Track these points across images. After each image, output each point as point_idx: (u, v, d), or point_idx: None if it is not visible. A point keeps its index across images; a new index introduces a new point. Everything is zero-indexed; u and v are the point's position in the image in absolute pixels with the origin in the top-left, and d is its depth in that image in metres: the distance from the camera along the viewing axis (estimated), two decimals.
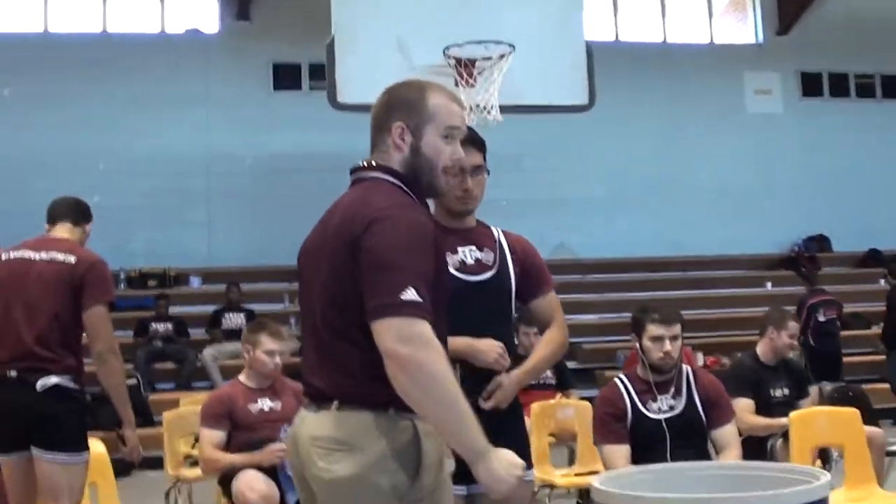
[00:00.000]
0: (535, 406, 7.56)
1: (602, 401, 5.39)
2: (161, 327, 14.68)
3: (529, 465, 3.79)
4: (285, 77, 17.81)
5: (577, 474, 7.25)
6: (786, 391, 7.29)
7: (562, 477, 7.24)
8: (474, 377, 3.82)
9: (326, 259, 3.10)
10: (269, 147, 17.09)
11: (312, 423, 3.08)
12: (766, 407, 7.10)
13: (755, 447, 6.73)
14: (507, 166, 17.28)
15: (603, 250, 18.18)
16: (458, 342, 3.67)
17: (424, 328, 2.90)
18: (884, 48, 20.04)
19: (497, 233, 4.18)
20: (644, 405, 5.25)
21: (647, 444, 5.07)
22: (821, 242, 19.60)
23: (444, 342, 3.11)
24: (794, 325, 7.36)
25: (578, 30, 10.51)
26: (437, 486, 3.11)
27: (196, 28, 18.03)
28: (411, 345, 2.88)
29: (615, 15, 19.83)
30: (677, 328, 5.29)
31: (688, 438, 5.06)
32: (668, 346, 5.20)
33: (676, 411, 5.25)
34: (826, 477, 2.55)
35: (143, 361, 13.99)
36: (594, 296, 17.15)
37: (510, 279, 4.08)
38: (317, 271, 3.15)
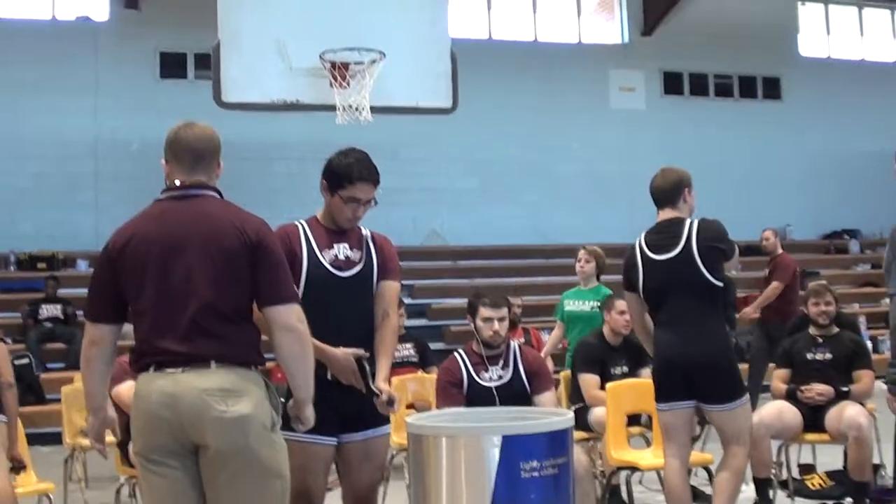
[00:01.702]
0: (395, 379, 8.51)
1: (443, 371, 6.39)
2: (50, 309, 15.25)
3: (387, 422, 4.83)
4: (171, 65, 18.46)
5: None
6: (625, 368, 8.26)
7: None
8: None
9: (213, 255, 3.94)
10: (155, 133, 17.54)
11: (198, 379, 3.87)
12: (608, 381, 7.93)
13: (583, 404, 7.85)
14: (384, 156, 18.09)
15: (473, 238, 19.13)
16: (318, 348, 4.45)
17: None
18: (741, 50, 21.44)
19: (364, 232, 5.03)
20: (477, 375, 6.26)
21: (480, 407, 6.03)
22: None
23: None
24: (620, 303, 8.24)
25: (444, 37, 11.32)
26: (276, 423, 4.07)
27: (86, 15, 18.55)
28: (304, 324, 3.99)
29: (489, 13, 20.79)
30: (504, 311, 6.30)
31: (515, 403, 5.97)
32: (496, 325, 6.22)
33: (504, 380, 6.26)
34: (567, 414, 3.52)
35: (34, 342, 14.60)
36: (464, 281, 18.06)
37: (373, 273, 4.94)
38: (197, 263, 3.94)
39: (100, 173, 17.83)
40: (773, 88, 22.70)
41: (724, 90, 22.25)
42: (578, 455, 5.74)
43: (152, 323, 3.98)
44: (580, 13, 21.64)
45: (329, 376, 4.64)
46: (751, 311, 12.52)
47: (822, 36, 23.63)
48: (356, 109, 10.48)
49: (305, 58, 10.58)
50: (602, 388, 7.83)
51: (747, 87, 22.42)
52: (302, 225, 4.92)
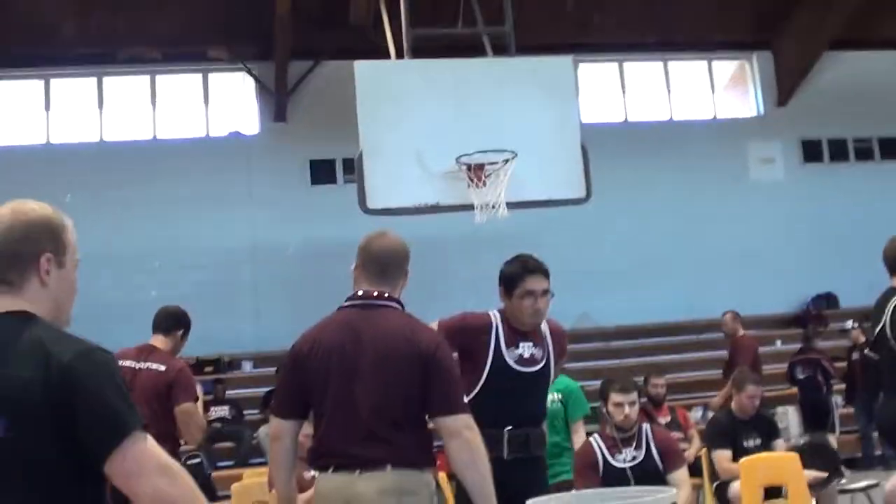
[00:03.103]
0: None
1: (579, 455, 6.82)
2: (219, 410, 15.95)
3: None
4: (321, 172, 19.28)
5: None
6: (758, 441, 8.55)
7: None
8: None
9: (387, 365, 4.32)
10: (309, 237, 18.34)
11: (374, 481, 4.23)
12: (741, 455, 8.28)
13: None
14: (527, 245, 18.59)
15: (622, 318, 19.34)
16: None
17: None
18: (879, 113, 21.29)
19: (544, 327, 5.53)
20: (612, 457, 6.66)
21: (616, 487, 6.40)
22: (828, 300, 20.77)
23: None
24: (752, 388, 8.63)
25: (575, 131, 11.86)
26: None
27: (237, 131, 19.54)
28: (473, 431, 4.35)
29: (623, 96, 21.22)
30: (633, 396, 6.70)
31: (648, 481, 6.32)
32: (626, 409, 6.63)
33: (638, 460, 6.65)
34: (670, 492, 3.91)
35: (205, 442, 15.31)
36: (615, 361, 18.24)
37: (550, 366, 5.47)
38: (371, 372, 4.32)
39: (258, 279, 18.60)
40: None
41: (864, 154, 22.13)
42: None
43: (331, 426, 4.36)
44: (714, 89, 21.89)
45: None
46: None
47: None
48: (493, 207, 11.00)
49: (442, 162, 11.19)
50: (735, 461, 8.09)
51: (889, 149, 22.23)
52: (496, 318, 5.40)
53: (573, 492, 5.04)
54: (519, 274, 5.36)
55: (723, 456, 8.36)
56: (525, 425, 5.26)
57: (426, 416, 4.40)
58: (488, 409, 4.98)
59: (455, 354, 5.20)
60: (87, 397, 2.63)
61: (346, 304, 4.57)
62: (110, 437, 2.62)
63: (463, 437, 4.29)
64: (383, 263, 4.56)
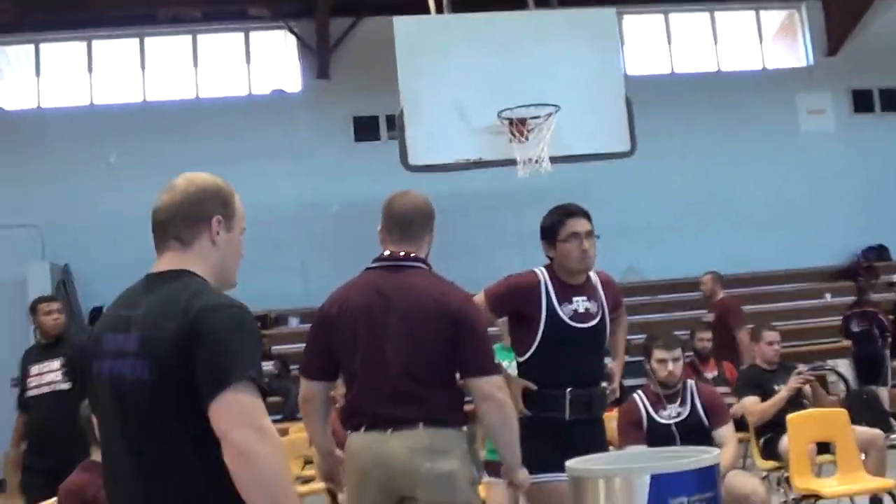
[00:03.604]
0: None
1: (623, 412, 6.72)
2: (266, 365, 16.06)
3: None
4: (365, 129, 19.22)
5: None
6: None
7: None
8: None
9: (415, 325, 4.31)
10: (353, 194, 18.27)
11: (406, 440, 4.23)
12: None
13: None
14: (575, 198, 18.47)
15: (669, 272, 19.20)
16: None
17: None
18: None
19: (595, 278, 5.33)
20: (656, 413, 6.56)
21: (661, 444, 6.30)
22: (879, 252, 20.52)
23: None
24: (769, 334, 8.67)
25: (619, 84, 11.72)
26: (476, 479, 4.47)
27: (280, 89, 19.51)
28: (504, 392, 4.37)
29: (669, 48, 20.96)
30: (678, 352, 6.60)
31: (694, 438, 6.25)
32: (670, 366, 6.53)
33: (682, 417, 6.55)
34: (714, 452, 3.82)
35: None
36: (662, 315, 18.13)
37: (606, 320, 5.25)
38: (399, 332, 4.30)
39: (304, 235, 18.60)
40: None
41: None
42: (755, 487, 5.96)
43: (361, 386, 4.37)
44: (762, 39, 21.58)
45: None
46: None
47: None
48: (536, 162, 10.92)
49: (484, 117, 11.11)
50: None
51: None
52: (543, 274, 5.17)
53: (616, 451, 4.92)
54: (559, 219, 5.19)
55: (750, 400, 8.29)
56: (586, 385, 5.08)
57: (457, 375, 4.36)
58: (547, 370, 4.95)
59: (504, 319, 5.13)
60: (205, 347, 2.80)
61: (373, 265, 4.55)
62: (212, 386, 2.75)
63: (495, 398, 4.29)
64: (406, 223, 4.54)
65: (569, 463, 3.87)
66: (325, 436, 4.64)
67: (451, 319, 4.28)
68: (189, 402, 2.78)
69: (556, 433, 4.72)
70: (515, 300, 5.13)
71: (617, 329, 5.43)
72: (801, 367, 8.52)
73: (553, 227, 5.17)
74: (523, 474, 4.51)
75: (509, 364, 5.37)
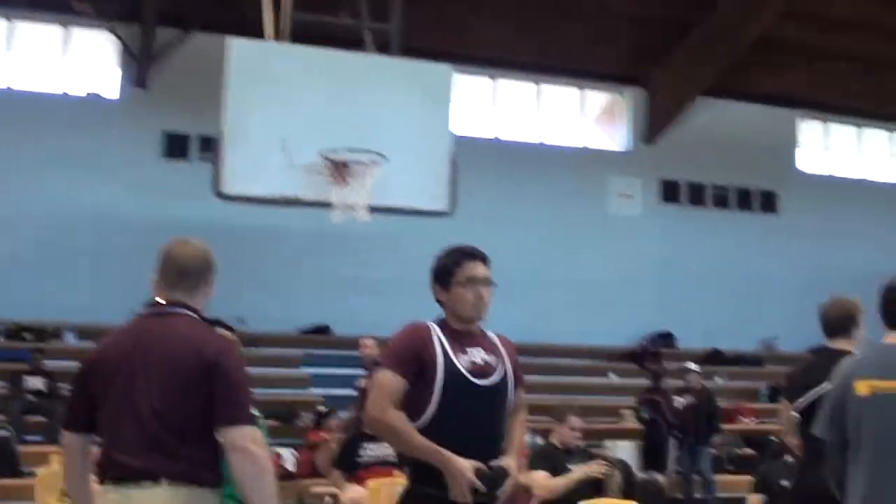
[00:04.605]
0: (372, 483, 8.66)
1: None
2: (34, 381, 15.16)
3: None
4: (176, 146, 18.57)
5: None
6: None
7: None
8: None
9: (171, 374, 4.02)
10: (155, 212, 17.60)
11: (146, 497, 3.93)
12: None
13: None
14: (384, 248, 18.35)
15: None
16: (435, 451, 4.40)
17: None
18: (740, 163, 21.76)
19: (492, 335, 4.81)
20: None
21: None
22: (666, 338, 20.97)
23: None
24: (575, 420, 8.38)
25: (446, 143, 11.60)
26: None
27: (96, 93, 18.75)
28: (260, 447, 4.03)
29: (496, 114, 21.08)
30: None
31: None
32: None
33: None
34: None
35: (16, 413, 14.55)
36: None
37: (510, 382, 4.68)
38: (154, 381, 4.02)
39: (99, 248, 17.81)
40: (770, 202, 22.89)
41: (721, 201, 22.45)
42: None
43: (111, 436, 4.08)
44: (584, 117, 21.91)
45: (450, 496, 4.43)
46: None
47: (821, 153, 23.90)
48: (353, 208, 10.66)
49: (307, 154, 10.85)
50: None
51: (744, 200, 22.64)
52: (432, 325, 4.68)
53: None
54: (456, 261, 4.78)
55: (541, 475, 8.12)
56: (486, 457, 4.50)
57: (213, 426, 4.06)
58: (445, 438, 4.41)
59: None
60: None
61: (142, 311, 4.31)
62: None
63: (248, 451, 3.98)
64: (183, 272, 4.28)
65: None
66: (82, 491, 4.29)
67: (206, 365, 4.03)
68: None
69: None
70: (417, 349, 4.57)
71: (514, 424, 4.81)
72: (604, 463, 8.44)
73: (448, 270, 4.78)
74: None
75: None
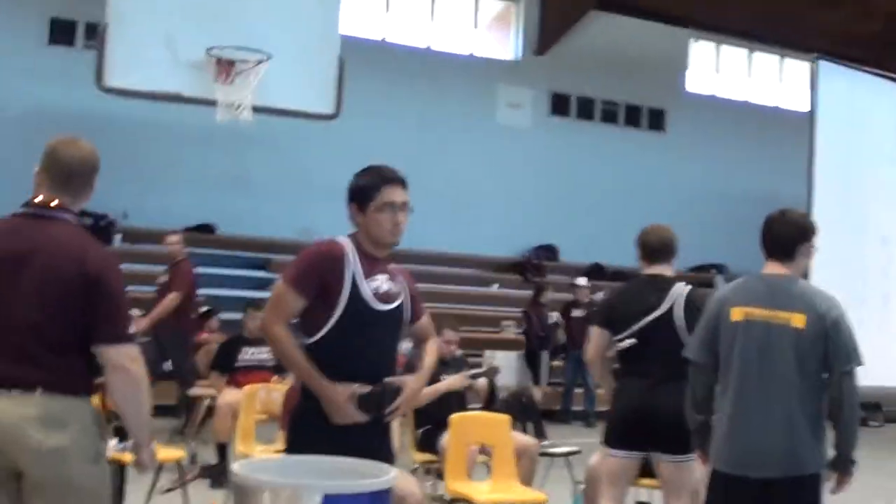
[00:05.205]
0: (247, 388, 8.66)
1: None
2: None
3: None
4: (61, 32, 17.98)
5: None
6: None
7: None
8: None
9: (48, 283, 3.93)
10: (36, 100, 17.17)
11: (20, 406, 3.84)
12: None
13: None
14: (263, 149, 18.15)
15: (345, 232, 19.07)
16: (313, 379, 4.43)
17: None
18: (630, 80, 21.86)
19: (393, 266, 4.77)
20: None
21: None
22: (549, 251, 21.18)
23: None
24: (450, 333, 8.62)
25: (334, 44, 11.45)
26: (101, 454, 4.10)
27: None
28: (138, 364, 4.02)
29: (385, 15, 20.85)
30: None
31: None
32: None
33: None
34: (391, 473, 3.62)
35: None
36: None
37: (407, 309, 4.73)
38: (32, 288, 3.92)
39: None
40: (657, 120, 23.15)
41: (610, 117, 22.62)
42: (413, 488, 5.77)
43: None
44: (476, 25, 21.78)
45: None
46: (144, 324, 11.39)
47: (711, 74, 24.15)
48: (237, 108, 10.52)
49: (192, 51, 10.64)
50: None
51: (633, 116, 22.86)
52: (348, 245, 4.60)
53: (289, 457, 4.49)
54: (374, 184, 4.65)
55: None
56: (378, 378, 4.52)
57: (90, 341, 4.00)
58: (337, 357, 4.42)
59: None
60: None
61: (21, 210, 4.15)
62: None
63: (126, 369, 3.98)
64: (69, 173, 4.15)
65: (234, 466, 3.56)
66: None
67: (87, 280, 3.94)
68: None
69: (337, 435, 4.27)
70: (322, 272, 4.52)
71: (426, 349, 4.97)
72: (474, 371, 8.58)
73: (366, 192, 4.66)
74: (149, 453, 4.19)
75: None
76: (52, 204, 4.10)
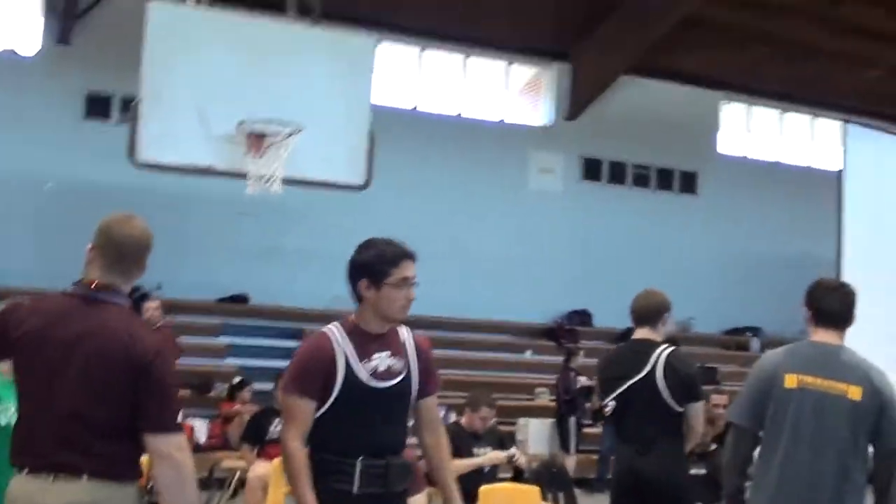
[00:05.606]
0: (277, 461, 8.64)
1: None
2: None
3: None
4: (97, 107, 18.21)
5: None
6: (488, 449, 8.63)
7: None
8: None
9: (96, 368, 3.90)
10: (72, 173, 17.29)
11: (66, 492, 3.84)
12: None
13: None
14: (293, 219, 18.19)
15: None
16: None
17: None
18: (662, 143, 21.86)
19: (405, 334, 4.73)
20: None
21: None
22: (583, 316, 21.08)
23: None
24: (486, 411, 8.72)
25: (365, 115, 11.54)
26: None
27: (13, 50, 18.28)
28: (185, 452, 3.99)
29: (419, 85, 20.99)
30: None
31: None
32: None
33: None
34: None
35: None
36: None
37: (413, 383, 4.67)
38: (80, 374, 3.90)
39: (10, 209, 17.41)
40: (689, 183, 23.09)
41: (641, 180, 22.61)
42: None
43: (30, 421, 3.98)
44: (507, 90, 21.90)
45: None
46: None
47: (742, 135, 24.13)
48: (268, 180, 10.59)
49: (224, 124, 10.74)
50: None
51: (664, 180, 22.83)
52: (335, 334, 4.58)
53: None
54: (393, 260, 4.61)
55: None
56: (381, 454, 4.52)
57: (138, 428, 3.98)
58: (336, 434, 4.46)
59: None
60: None
61: (73, 291, 4.13)
62: None
63: (173, 458, 3.94)
64: (123, 252, 4.12)
65: None
66: None
67: (135, 367, 3.91)
68: None
69: None
70: (318, 367, 4.53)
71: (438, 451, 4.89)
72: (514, 452, 8.64)
73: (381, 268, 4.60)
74: None
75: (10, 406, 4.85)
76: (105, 285, 4.08)
